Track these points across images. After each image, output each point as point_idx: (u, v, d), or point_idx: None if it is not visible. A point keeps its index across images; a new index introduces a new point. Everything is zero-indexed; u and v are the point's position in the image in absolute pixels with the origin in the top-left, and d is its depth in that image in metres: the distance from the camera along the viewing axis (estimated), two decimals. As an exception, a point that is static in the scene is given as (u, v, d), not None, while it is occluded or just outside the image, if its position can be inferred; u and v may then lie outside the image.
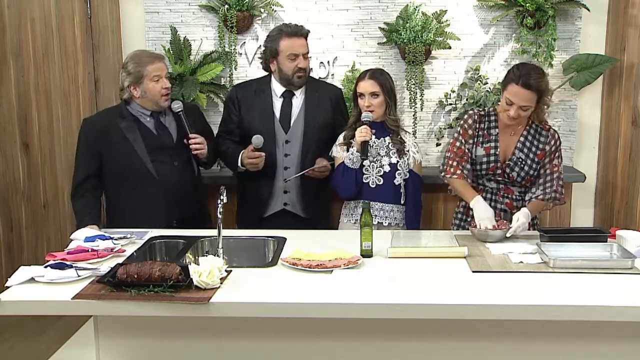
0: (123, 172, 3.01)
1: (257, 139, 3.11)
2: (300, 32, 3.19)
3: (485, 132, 2.93)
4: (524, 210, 2.78)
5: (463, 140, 2.93)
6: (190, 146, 3.08)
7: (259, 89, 3.28)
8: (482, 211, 2.79)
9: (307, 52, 3.20)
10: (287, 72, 3.18)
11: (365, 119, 3.00)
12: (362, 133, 2.96)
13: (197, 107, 3.47)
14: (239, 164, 3.20)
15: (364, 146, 2.97)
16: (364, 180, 3.07)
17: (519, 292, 2.14)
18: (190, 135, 3.08)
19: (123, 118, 3.04)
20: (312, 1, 3.79)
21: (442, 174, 2.97)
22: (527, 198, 2.93)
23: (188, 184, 3.14)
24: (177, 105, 3.10)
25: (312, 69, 3.46)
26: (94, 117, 3.24)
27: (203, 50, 3.83)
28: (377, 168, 3.07)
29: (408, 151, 3.09)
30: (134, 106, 3.06)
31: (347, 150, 3.06)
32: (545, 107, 2.86)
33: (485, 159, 2.91)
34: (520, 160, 2.89)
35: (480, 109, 3.00)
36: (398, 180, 3.07)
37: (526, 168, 2.89)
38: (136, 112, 3.06)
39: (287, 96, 3.25)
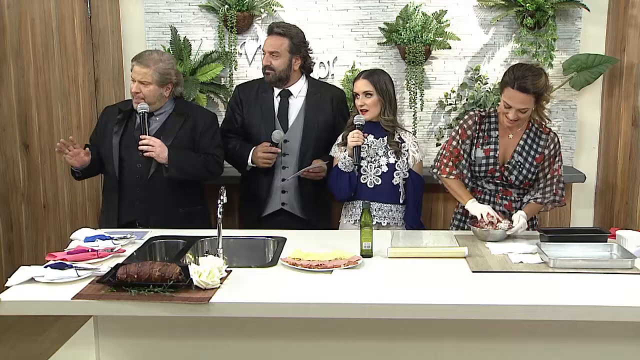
0: (100, 157, 3.14)
1: (278, 134, 3.14)
2: (271, 30, 3.22)
3: (485, 133, 2.92)
4: (522, 212, 2.79)
5: (460, 141, 2.92)
6: (140, 147, 2.99)
7: (262, 89, 3.28)
8: (478, 208, 2.79)
9: (275, 52, 3.17)
10: (262, 69, 3.26)
11: (358, 123, 3.00)
12: (354, 138, 2.96)
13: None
14: (249, 162, 3.21)
15: (356, 151, 2.97)
16: (362, 181, 3.07)
17: (519, 292, 2.14)
18: (140, 137, 3.00)
19: (121, 111, 3.14)
20: (312, 1, 3.79)
21: (436, 171, 2.97)
22: (525, 200, 2.93)
23: (144, 188, 3.08)
24: (140, 106, 3.04)
25: (312, 68, 3.44)
26: (112, 106, 3.36)
27: (203, 50, 3.83)
28: (375, 168, 3.07)
29: (407, 151, 3.09)
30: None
31: (345, 151, 3.07)
32: (545, 102, 2.85)
33: (484, 161, 2.91)
34: (519, 163, 2.88)
35: (482, 110, 2.99)
36: (396, 180, 3.07)
37: (524, 172, 2.89)
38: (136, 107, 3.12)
39: (284, 95, 3.26)
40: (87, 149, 3.06)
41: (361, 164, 3.05)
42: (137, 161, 3.05)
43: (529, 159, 2.89)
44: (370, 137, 3.07)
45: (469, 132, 2.92)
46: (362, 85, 3.05)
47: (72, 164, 3.06)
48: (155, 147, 2.98)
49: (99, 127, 3.22)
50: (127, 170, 3.07)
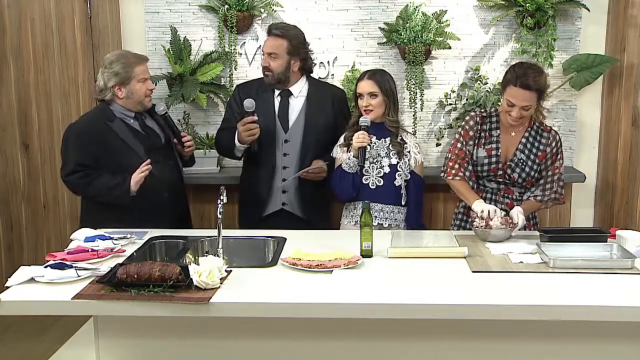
0: (123, 173, 2.92)
1: (248, 102, 3.13)
2: (271, 31, 3.20)
3: (487, 133, 2.93)
4: (519, 208, 2.79)
5: (464, 142, 2.93)
6: (186, 144, 3.18)
7: (262, 89, 3.28)
8: (484, 207, 2.78)
9: (273, 53, 3.15)
10: (262, 70, 3.25)
11: (363, 124, 3.00)
12: (360, 139, 2.95)
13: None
14: (237, 144, 3.18)
15: (362, 152, 2.96)
16: (364, 182, 3.07)
17: (519, 292, 2.14)
18: (182, 134, 3.21)
19: (112, 120, 3.00)
20: (312, 1, 3.79)
21: (443, 175, 2.97)
22: (524, 197, 2.93)
23: (181, 183, 3.24)
24: (161, 108, 3.13)
25: (312, 69, 3.44)
26: (80, 122, 3.09)
27: (203, 50, 3.83)
28: (377, 169, 3.07)
29: (409, 152, 3.09)
30: (115, 107, 3.03)
31: (348, 151, 3.07)
32: (541, 101, 2.85)
33: (486, 160, 2.91)
34: (522, 161, 2.89)
35: (482, 110, 2.99)
36: (398, 181, 3.07)
37: (527, 169, 2.89)
38: (119, 113, 3.03)
39: (284, 95, 3.26)
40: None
41: (365, 165, 3.05)
42: (166, 159, 3.11)
43: (531, 157, 2.89)
44: (373, 138, 3.06)
45: (471, 133, 2.92)
46: (367, 86, 3.04)
47: (134, 189, 2.89)
48: (193, 142, 3.28)
49: (90, 149, 2.93)
50: (163, 171, 3.05)
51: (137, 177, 2.88)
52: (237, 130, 3.17)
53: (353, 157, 3.00)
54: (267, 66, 3.18)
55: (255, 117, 3.13)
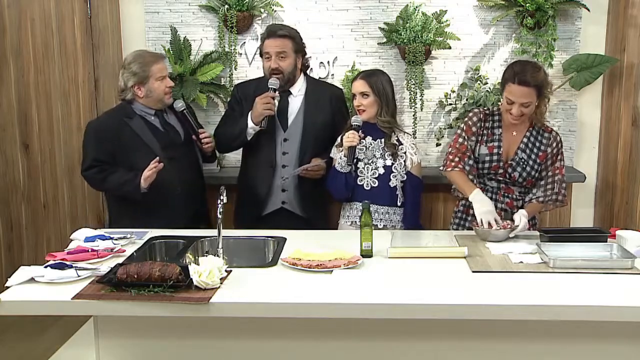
0: (139, 170, 2.94)
1: (275, 79, 3.13)
2: (275, 33, 3.18)
3: (489, 131, 2.93)
4: (523, 211, 2.79)
5: (466, 137, 2.93)
6: (203, 140, 3.17)
7: (259, 88, 3.28)
8: (482, 204, 2.78)
9: (283, 52, 3.15)
10: (265, 71, 3.23)
11: (355, 123, 3.01)
12: (349, 138, 2.97)
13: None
14: (249, 124, 3.14)
15: (351, 151, 2.97)
16: (359, 183, 3.07)
17: (519, 292, 2.15)
18: (200, 131, 3.19)
19: (131, 118, 3.05)
20: (312, 1, 3.79)
21: (443, 168, 2.98)
22: (527, 199, 2.93)
23: (200, 180, 3.26)
24: (180, 105, 3.15)
25: (311, 69, 3.45)
26: (99, 119, 3.23)
27: (203, 50, 3.83)
28: (371, 170, 3.07)
29: (405, 153, 3.09)
30: (137, 106, 3.09)
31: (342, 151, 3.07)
32: (547, 99, 2.85)
33: (488, 158, 2.91)
34: (523, 161, 2.89)
35: (485, 108, 3.00)
36: (393, 182, 3.07)
37: (528, 169, 2.89)
38: (139, 111, 3.09)
39: (284, 95, 3.26)
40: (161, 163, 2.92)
41: (358, 165, 3.05)
42: (184, 156, 3.13)
43: (532, 157, 2.89)
44: (368, 139, 3.07)
45: (474, 129, 2.93)
46: (359, 86, 3.06)
47: (144, 186, 2.91)
48: (212, 138, 3.25)
49: (107, 145, 3.00)
50: (180, 168, 3.08)
51: (146, 174, 2.90)
52: (254, 104, 3.13)
53: (344, 156, 3.01)
54: (277, 67, 3.15)
55: (276, 94, 3.14)
